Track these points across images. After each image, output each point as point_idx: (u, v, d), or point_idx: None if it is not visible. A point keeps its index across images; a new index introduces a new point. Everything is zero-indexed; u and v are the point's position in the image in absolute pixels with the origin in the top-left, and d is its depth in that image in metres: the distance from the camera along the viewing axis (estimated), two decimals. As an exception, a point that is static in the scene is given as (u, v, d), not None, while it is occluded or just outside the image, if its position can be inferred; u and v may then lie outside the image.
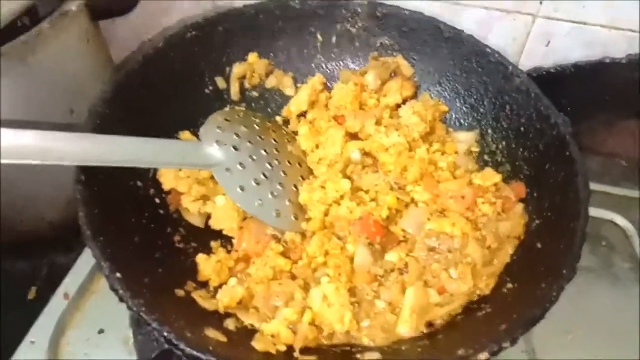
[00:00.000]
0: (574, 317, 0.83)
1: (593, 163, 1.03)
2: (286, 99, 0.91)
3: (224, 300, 0.65)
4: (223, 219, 0.76)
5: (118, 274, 0.56)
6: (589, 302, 0.85)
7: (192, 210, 0.76)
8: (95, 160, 0.62)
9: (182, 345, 0.51)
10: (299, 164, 0.83)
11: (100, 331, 0.79)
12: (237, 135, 0.78)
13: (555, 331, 0.81)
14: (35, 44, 0.75)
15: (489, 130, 0.82)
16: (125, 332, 0.78)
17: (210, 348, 0.52)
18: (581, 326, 0.82)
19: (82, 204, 0.60)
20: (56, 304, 0.81)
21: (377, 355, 0.60)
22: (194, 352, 0.50)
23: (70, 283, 0.83)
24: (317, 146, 0.84)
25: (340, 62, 0.93)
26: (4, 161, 0.56)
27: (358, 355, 0.60)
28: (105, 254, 0.57)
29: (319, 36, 0.91)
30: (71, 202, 0.62)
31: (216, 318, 0.64)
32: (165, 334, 0.52)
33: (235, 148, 0.76)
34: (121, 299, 0.54)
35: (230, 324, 0.64)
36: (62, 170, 0.63)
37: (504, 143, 0.80)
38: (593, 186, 0.99)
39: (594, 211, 0.97)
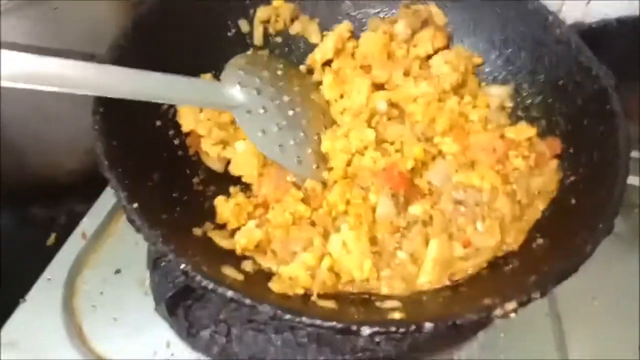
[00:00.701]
0: (601, 283, 0.80)
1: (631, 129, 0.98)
2: (311, 46, 0.88)
3: (241, 241, 0.63)
4: (243, 165, 0.74)
5: (135, 205, 0.54)
6: (617, 270, 0.82)
7: (211, 154, 0.74)
8: (112, 92, 0.60)
9: (199, 278, 0.50)
10: (322, 114, 0.80)
11: (117, 271, 0.79)
12: (260, 79, 0.76)
13: (581, 297, 0.79)
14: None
15: (525, 85, 0.78)
16: (142, 273, 0.78)
17: (228, 282, 0.51)
18: (608, 293, 0.79)
19: (99, 134, 0.59)
20: (74, 244, 0.81)
21: (397, 303, 0.58)
22: (212, 285, 0.49)
23: (89, 223, 0.83)
24: (341, 96, 0.82)
25: (370, 10, 0.89)
26: (23, 85, 0.54)
27: (377, 303, 0.59)
28: (123, 185, 0.56)
29: (348, -19, 0.87)
30: (89, 152, 0.61)
31: (234, 259, 0.62)
32: (182, 266, 0.50)
33: (257, 91, 0.74)
34: (138, 230, 0.53)
35: (247, 265, 0.62)
36: (82, 119, 0.62)
37: (540, 98, 0.76)
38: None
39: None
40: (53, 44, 0.78)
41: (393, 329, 0.47)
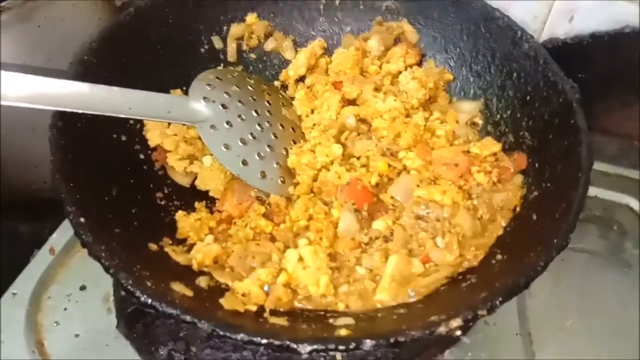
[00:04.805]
0: (577, 302, 0.78)
1: (610, 145, 0.97)
2: (285, 62, 0.88)
3: (197, 256, 0.63)
4: (209, 180, 0.74)
5: (82, 219, 0.54)
6: (594, 288, 0.80)
7: (177, 168, 0.74)
8: (71, 107, 0.60)
9: (137, 293, 0.49)
10: (293, 128, 0.80)
11: (82, 287, 0.79)
12: (228, 94, 0.76)
13: (555, 315, 0.76)
14: (38, 2, 0.75)
15: (494, 100, 0.78)
16: (107, 289, 0.77)
17: (169, 298, 0.50)
18: (584, 313, 0.77)
19: (54, 148, 0.59)
20: (41, 259, 0.81)
21: (350, 320, 0.56)
22: (149, 300, 0.48)
23: (57, 239, 0.83)
24: (312, 111, 0.81)
25: (344, 26, 0.89)
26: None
27: (331, 320, 0.57)
28: (72, 198, 0.55)
29: (322, -2, 0.87)
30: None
31: (189, 275, 0.61)
32: (122, 280, 0.50)
33: (224, 106, 0.74)
34: (83, 245, 0.53)
35: (202, 281, 0.61)
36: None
37: (508, 112, 0.75)
38: (609, 168, 0.95)
39: (608, 194, 0.91)
40: (34, 60, 0.79)
41: (332, 346, 0.45)
